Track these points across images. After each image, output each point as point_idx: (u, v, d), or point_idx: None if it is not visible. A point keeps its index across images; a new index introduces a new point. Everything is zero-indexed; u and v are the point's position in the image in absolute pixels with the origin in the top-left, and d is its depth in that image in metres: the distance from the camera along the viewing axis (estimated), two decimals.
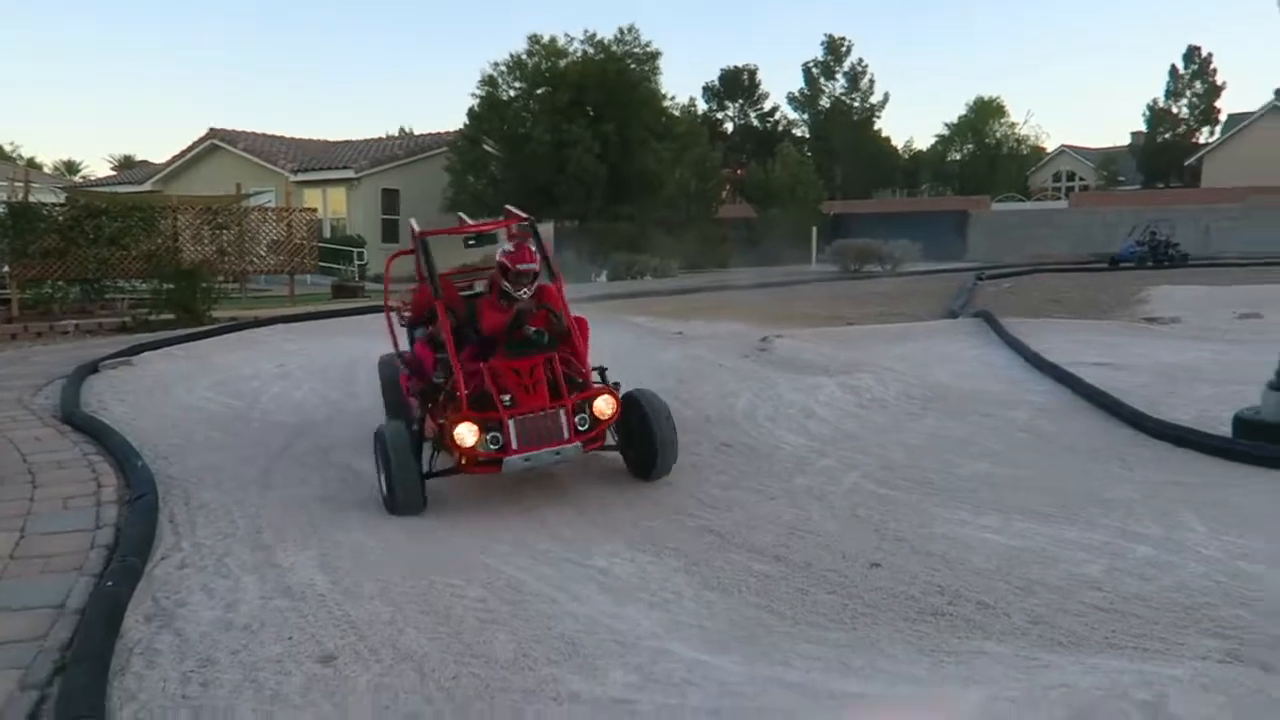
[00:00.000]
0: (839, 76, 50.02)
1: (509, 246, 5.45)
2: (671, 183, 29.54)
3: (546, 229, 20.32)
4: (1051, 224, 35.84)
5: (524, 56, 29.20)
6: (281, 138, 31.03)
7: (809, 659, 3.14)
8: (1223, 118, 46.19)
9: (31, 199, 16.63)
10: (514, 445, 4.86)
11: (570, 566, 4.19)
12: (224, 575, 4.08)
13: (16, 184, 17.74)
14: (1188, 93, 46.61)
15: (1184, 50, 47.04)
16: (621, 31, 29.48)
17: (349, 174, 27.34)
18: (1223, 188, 35.38)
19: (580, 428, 5.02)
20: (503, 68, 29.27)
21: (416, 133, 35.81)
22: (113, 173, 45.68)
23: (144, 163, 42.53)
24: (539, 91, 28.92)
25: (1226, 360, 8.83)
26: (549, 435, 4.92)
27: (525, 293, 5.34)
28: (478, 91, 29.24)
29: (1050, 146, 54.03)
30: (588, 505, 5.11)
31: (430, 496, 5.05)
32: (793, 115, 51.37)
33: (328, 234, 26.85)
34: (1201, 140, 46.00)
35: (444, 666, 3.13)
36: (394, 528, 4.76)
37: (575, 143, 27.05)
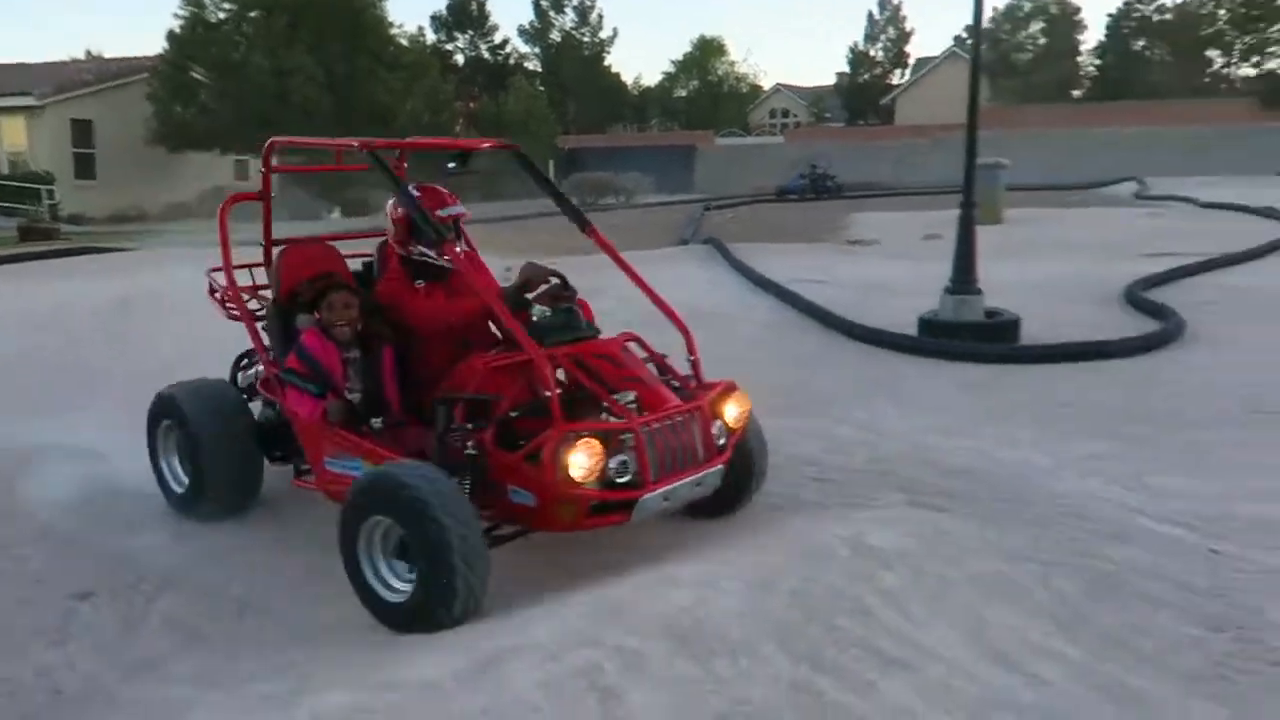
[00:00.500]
0: (569, 10, 50.22)
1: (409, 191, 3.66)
2: (403, 115, 28.64)
3: None
4: (769, 158, 38.40)
5: None
6: None
7: None
8: (912, 61, 51.23)
9: None
10: (651, 475, 3.10)
11: None
12: None
13: None
14: (882, 37, 51.20)
15: None
16: None
17: (29, 101, 24.11)
18: (916, 125, 39.46)
19: (719, 442, 3.41)
20: None
21: (108, 56, 32.12)
22: None
23: None
24: (252, 14, 26.83)
25: (915, 274, 10.15)
26: (686, 457, 3.24)
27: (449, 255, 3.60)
28: (180, 12, 26.68)
29: (767, 85, 57.53)
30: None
31: None
32: (524, 48, 51.15)
33: (4, 170, 23.71)
34: (895, 81, 50.81)
35: None
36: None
37: (296, 71, 25.49)
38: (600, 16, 50.42)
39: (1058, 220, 15.63)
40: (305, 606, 3.27)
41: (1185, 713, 2.38)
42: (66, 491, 4.18)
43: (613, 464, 3.02)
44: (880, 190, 28.79)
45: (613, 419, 3.17)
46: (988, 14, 11.45)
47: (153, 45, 37.39)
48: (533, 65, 50.59)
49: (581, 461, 2.93)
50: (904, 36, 51.25)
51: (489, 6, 49.74)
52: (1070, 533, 3.46)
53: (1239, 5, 44.02)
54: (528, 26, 50.59)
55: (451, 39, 49.74)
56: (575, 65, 48.74)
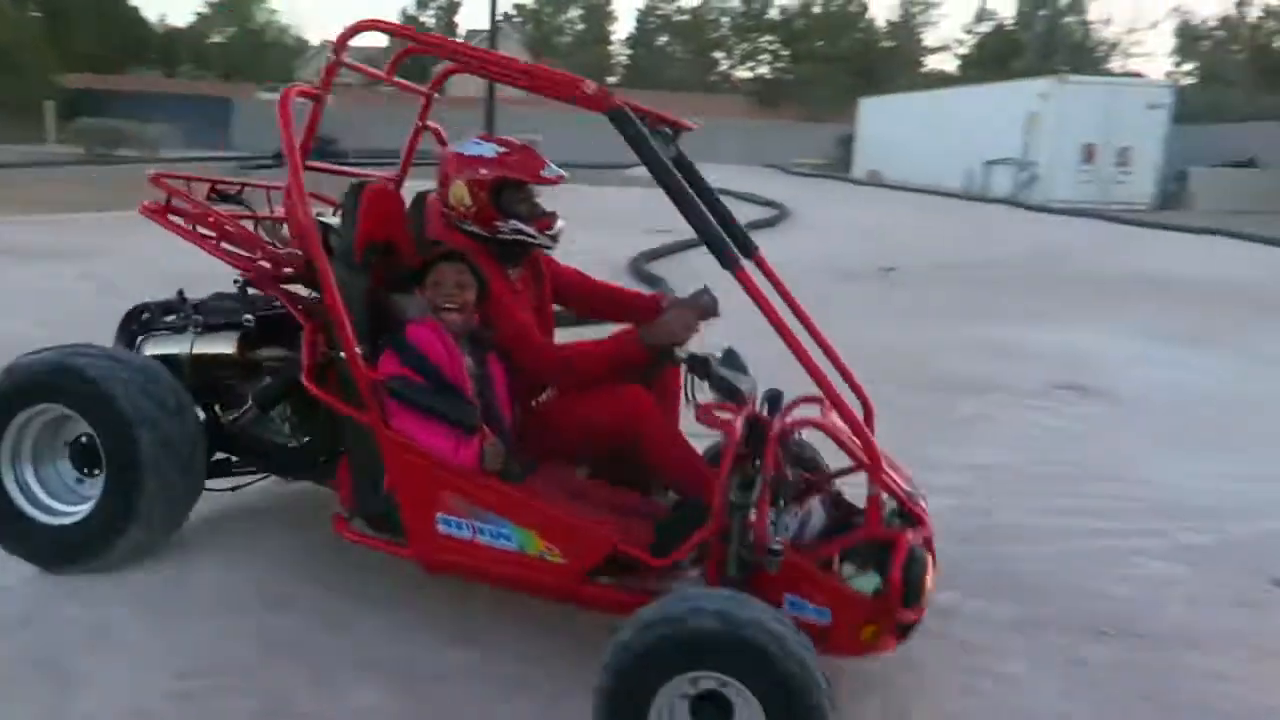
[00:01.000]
0: None
1: (493, 147, 2.77)
2: None
3: None
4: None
5: None
6: None
7: None
8: (462, 32, 51.87)
9: None
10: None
11: None
12: None
13: None
14: (433, 5, 51.23)
15: None
16: None
17: None
18: (466, 96, 40.01)
19: None
20: None
21: None
22: None
23: None
24: None
25: None
26: None
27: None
28: None
29: (315, 40, 54.67)
30: None
31: None
32: None
33: None
34: None
35: None
36: None
37: None
38: None
39: (589, 197, 16.97)
40: None
41: None
42: None
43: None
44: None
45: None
46: None
47: None
48: None
49: (931, 582, 2.24)
50: (454, 7, 51.78)
51: None
52: None
53: (738, 14, 50.90)
54: None
55: None
56: None
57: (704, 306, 2.69)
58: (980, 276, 9.94)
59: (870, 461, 2.23)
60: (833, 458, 2.63)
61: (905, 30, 49.17)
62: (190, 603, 2.74)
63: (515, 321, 2.65)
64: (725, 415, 2.35)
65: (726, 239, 2.33)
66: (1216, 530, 3.72)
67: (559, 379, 2.74)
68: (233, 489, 3.13)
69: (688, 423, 2.61)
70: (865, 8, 50.14)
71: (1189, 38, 33.21)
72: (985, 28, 44.25)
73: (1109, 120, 21.02)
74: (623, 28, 60.94)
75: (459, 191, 2.70)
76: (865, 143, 29.94)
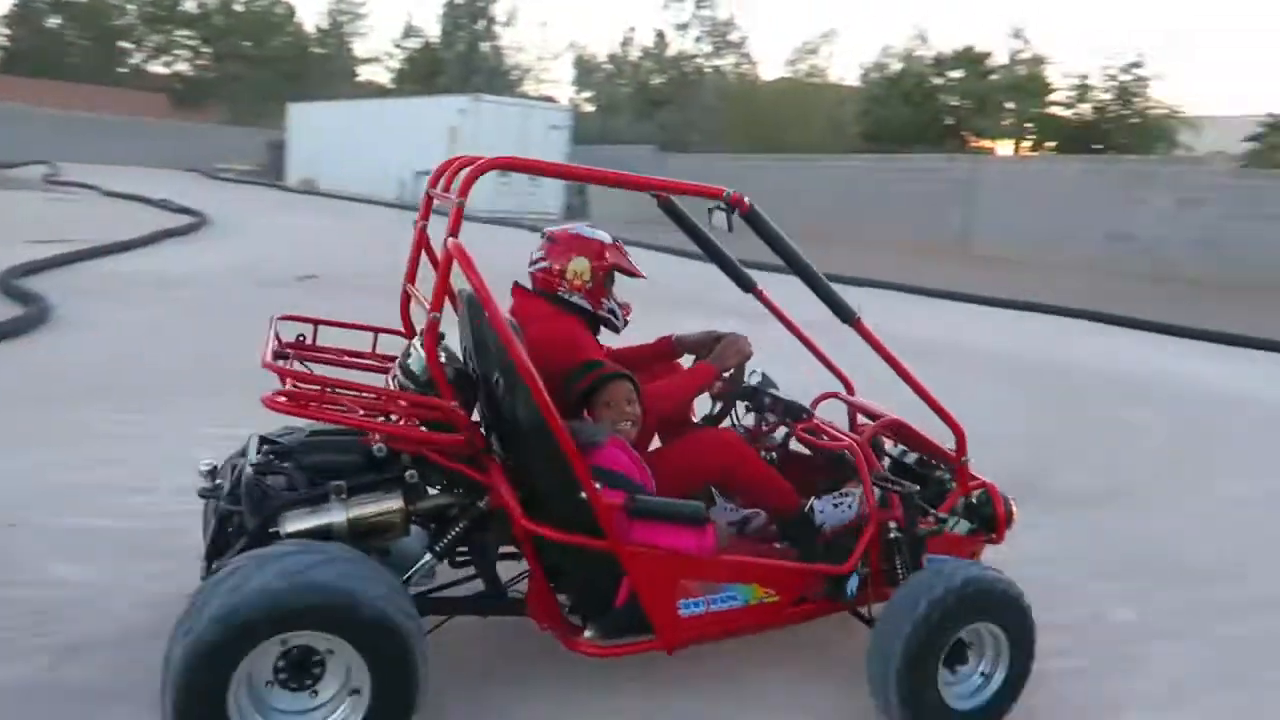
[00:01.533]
0: None
1: (604, 234, 3.03)
2: None
3: None
4: None
5: None
6: None
7: None
8: None
9: None
10: None
11: None
12: None
13: None
14: None
15: None
16: None
17: None
18: None
19: None
20: None
21: None
22: None
23: None
24: None
25: None
26: None
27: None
28: None
29: None
30: None
31: None
32: None
33: None
34: None
35: None
36: None
37: None
38: None
39: None
40: None
41: None
42: None
43: None
44: None
45: None
46: None
47: None
48: None
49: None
50: None
51: None
52: None
53: (146, 3, 46.05)
54: None
55: None
56: None
57: (740, 338, 3.13)
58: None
59: (958, 451, 2.91)
60: None
61: (335, 38, 48.98)
62: None
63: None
64: (834, 433, 2.94)
65: (842, 299, 2.69)
66: None
67: (657, 419, 3.03)
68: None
69: None
70: (293, 10, 48.84)
71: (584, 69, 38.16)
72: (413, 43, 45.96)
73: (521, 138, 23.25)
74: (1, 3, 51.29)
75: (580, 266, 2.95)
76: (297, 149, 29.24)
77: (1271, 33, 64.29)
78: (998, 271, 15.43)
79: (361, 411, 2.46)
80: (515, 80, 39.66)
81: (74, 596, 2.94)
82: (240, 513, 2.42)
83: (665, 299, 7.95)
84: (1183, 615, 3.50)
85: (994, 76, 25.67)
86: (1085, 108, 24.13)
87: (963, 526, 2.97)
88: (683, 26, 34.71)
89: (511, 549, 2.63)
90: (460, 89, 28.97)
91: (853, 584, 2.70)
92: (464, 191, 2.33)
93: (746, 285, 3.29)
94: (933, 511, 2.89)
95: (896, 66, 29.54)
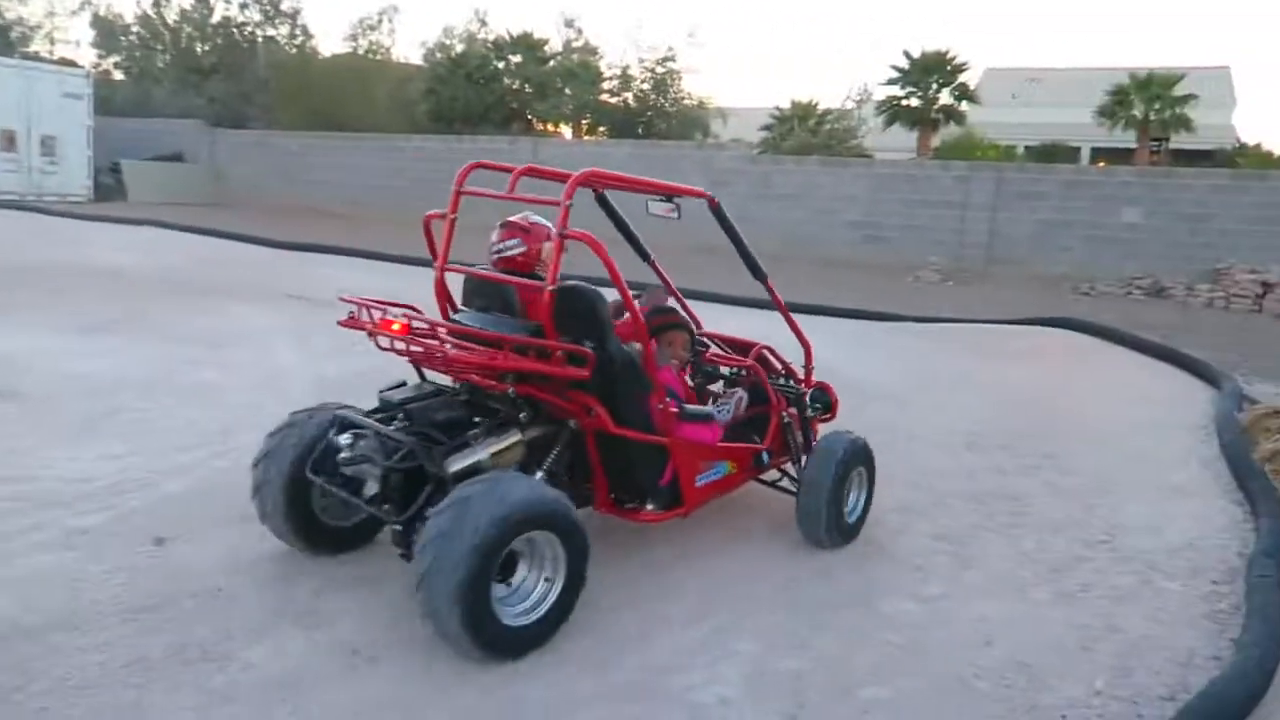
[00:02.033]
0: None
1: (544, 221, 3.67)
2: None
3: None
4: None
5: None
6: None
7: None
8: None
9: None
10: None
11: None
12: None
13: None
14: None
15: None
16: None
17: None
18: None
19: None
20: None
21: None
22: None
23: None
24: None
25: None
26: None
27: None
28: None
29: None
30: None
31: None
32: None
33: None
34: None
35: None
36: None
37: None
38: None
39: None
40: None
41: None
42: None
43: None
44: None
45: None
46: None
47: None
48: None
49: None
50: None
51: None
52: None
53: None
54: None
55: None
56: None
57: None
58: None
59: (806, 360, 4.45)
60: None
61: None
62: None
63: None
64: (733, 357, 4.39)
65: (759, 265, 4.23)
66: (110, 508, 3.88)
67: None
68: None
69: None
70: None
71: (106, 31, 33.38)
72: None
73: (24, 104, 19.89)
74: None
75: (548, 249, 3.56)
76: None
77: (779, 33, 75.00)
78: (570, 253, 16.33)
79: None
80: (19, 39, 33.69)
81: None
82: (398, 470, 3.07)
83: None
84: None
85: (551, 63, 26.94)
86: (629, 96, 26.29)
87: (814, 411, 4.32)
88: None
89: None
90: None
91: (764, 457, 4.06)
92: (569, 195, 3.23)
93: (644, 256, 4.54)
94: (808, 403, 4.26)
95: (459, 48, 29.82)
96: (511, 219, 3.66)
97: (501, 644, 2.85)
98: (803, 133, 22.79)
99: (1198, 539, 4.28)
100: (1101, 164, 25.01)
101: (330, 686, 2.73)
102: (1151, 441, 5.91)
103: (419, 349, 3.18)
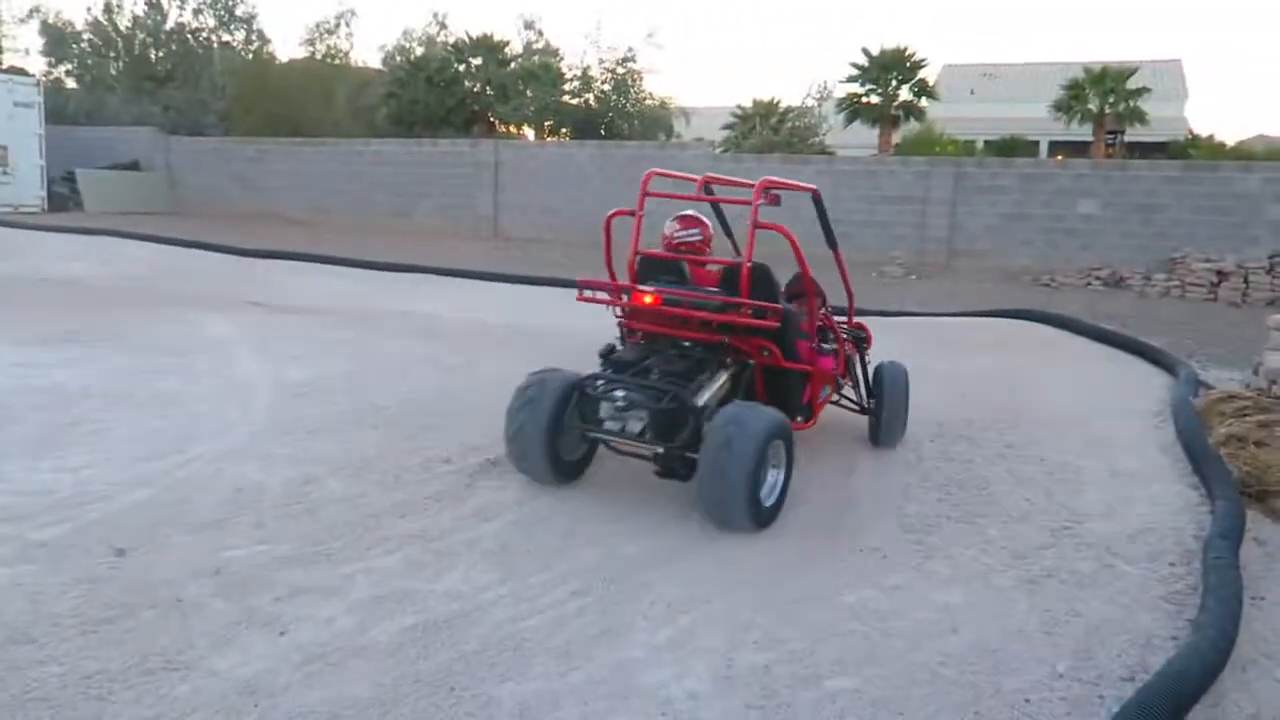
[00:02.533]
0: None
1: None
2: None
3: None
4: None
5: None
6: None
7: None
8: None
9: None
10: None
11: None
12: None
13: None
14: None
15: None
16: None
17: None
18: None
19: None
20: None
21: None
22: None
23: None
24: None
25: None
26: None
27: None
28: None
29: None
30: None
31: None
32: None
33: None
34: None
35: None
36: None
37: None
38: None
39: None
40: None
41: None
42: None
43: None
44: None
45: None
46: None
47: None
48: None
49: None
50: None
51: None
52: None
53: None
54: None
55: None
56: None
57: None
58: None
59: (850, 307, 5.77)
60: None
61: None
62: None
63: None
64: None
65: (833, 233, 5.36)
66: (70, 520, 3.82)
67: None
68: None
69: None
70: None
71: (55, 39, 32.74)
72: None
73: None
74: None
75: (711, 236, 5.01)
76: None
77: (739, 33, 75.21)
78: (526, 250, 16.30)
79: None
80: None
81: None
82: (665, 410, 4.09)
83: None
84: None
85: (512, 65, 26.83)
86: (590, 97, 26.26)
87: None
88: None
89: None
90: None
91: (840, 382, 5.29)
92: (761, 193, 4.52)
93: (832, 244, 5.38)
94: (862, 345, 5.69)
95: (418, 51, 29.61)
96: (687, 213, 4.91)
97: (761, 519, 3.99)
98: (765, 131, 22.92)
99: (1156, 523, 4.36)
100: (1060, 157, 25.41)
101: (297, 691, 2.71)
102: (1110, 428, 6.01)
103: (642, 316, 4.60)
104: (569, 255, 15.51)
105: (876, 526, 4.24)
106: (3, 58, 34.03)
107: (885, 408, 5.24)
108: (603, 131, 25.30)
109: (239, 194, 22.90)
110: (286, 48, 48.58)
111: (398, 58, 30.23)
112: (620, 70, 26.01)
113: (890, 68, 24.05)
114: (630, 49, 26.10)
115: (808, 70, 72.75)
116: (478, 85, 26.54)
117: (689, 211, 4.91)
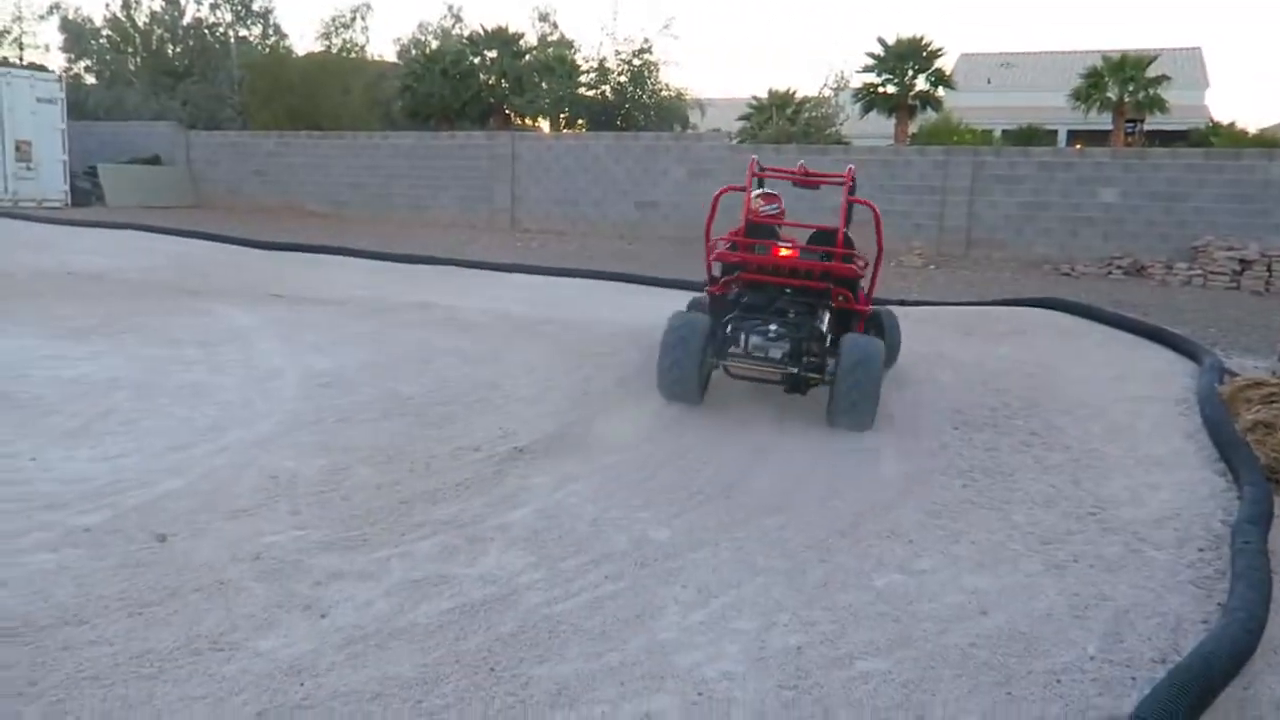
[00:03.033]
0: None
1: None
2: None
3: None
4: None
5: None
6: None
7: None
8: None
9: None
10: None
11: None
12: None
13: None
14: None
15: None
16: None
17: None
18: None
19: None
20: None
21: None
22: None
23: None
24: None
25: None
26: None
27: None
28: None
29: None
30: None
31: None
32: None
33: None
34: None
35: None
36: None
37: None
38: None
39: None
40: None
41: None
42: None
43: None
44: None
45: None
46: None
47: None
48: None
49: None
50: None
51: None
52: None
53: None
54: None
55: None
56: None
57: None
58: None
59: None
60: None
61: None
62: None
63: None
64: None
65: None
66: (110, 506, 3.90)
67: None
68: None
69: None
70: None
71: (75, 35, 32.97)
72: None
73: (3, 112, 19.69)
74: None
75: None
76: None
77: (756, 24, 74.99)
78: (544, 242, 16.33)
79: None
80: None
81: None
82: (804, 339, 5.44)
83: None
84: None
85: (528, 57, 26.85)
86: (606, 89, 26.24)
87: None
88: None
89: None
90: None
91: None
92: (848, 179, 6.08)
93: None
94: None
95: (434, 44, 29.68)
96: (768, 191, 6.51)
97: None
98: (781, 122, 22.87)
99: (1183, 509, 4.37)
100: (1079, 146, 25.22)
101: (341, 671, 2.77)
102: (1134, 415, 6.00)
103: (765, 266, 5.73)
104: (587, 246, 15.55)
105: (903, 512, 4.27)
106: (23, 54, 34.33)
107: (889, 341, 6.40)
108: (619, 123, 25.30)
109: (258, 187, 23.05)
110: (303, 42, 48.67)
111: (413, 51, 30.33)
112: (636, 62, 25.98)
113: (906, 57, 23.92)
114: (646, 40, 26.04)
115: (824, 61, 72.41)
116: (493, 78, 26.56)
117: (768, 190, 6.52)
